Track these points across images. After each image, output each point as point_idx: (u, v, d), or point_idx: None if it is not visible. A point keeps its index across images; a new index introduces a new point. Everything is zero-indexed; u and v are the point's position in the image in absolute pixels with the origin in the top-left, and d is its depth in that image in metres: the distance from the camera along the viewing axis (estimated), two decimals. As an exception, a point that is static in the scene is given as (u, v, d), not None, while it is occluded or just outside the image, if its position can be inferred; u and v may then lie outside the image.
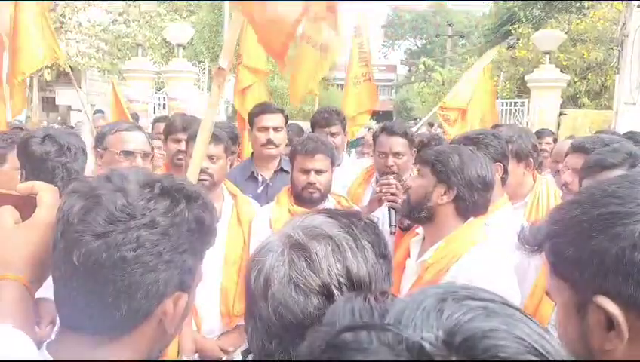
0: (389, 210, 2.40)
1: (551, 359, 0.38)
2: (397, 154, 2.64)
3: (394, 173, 2.57)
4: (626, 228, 0.66)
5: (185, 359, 2.06)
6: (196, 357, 2.17)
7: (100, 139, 2.26)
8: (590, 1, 12.61)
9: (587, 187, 0.79)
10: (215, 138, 2.30)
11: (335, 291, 0.78)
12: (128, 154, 2.14)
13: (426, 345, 0.38)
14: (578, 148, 2.29)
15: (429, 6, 40.77)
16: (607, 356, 0.67)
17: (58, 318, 0.78)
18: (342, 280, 0.79)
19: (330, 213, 0.87)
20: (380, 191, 2.48)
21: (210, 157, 2.26)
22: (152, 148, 3.27)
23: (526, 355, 0.38)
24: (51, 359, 0.73)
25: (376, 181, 2.78)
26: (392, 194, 2.41)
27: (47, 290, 0.81)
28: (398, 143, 2.66)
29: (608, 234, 0.67)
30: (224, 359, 2.27)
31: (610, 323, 0.67)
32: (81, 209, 0.72)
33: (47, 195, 0.83)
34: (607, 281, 0.67)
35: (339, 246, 0.81)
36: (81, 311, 0.73)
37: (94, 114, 8.62)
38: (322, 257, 0.79)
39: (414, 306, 0.42)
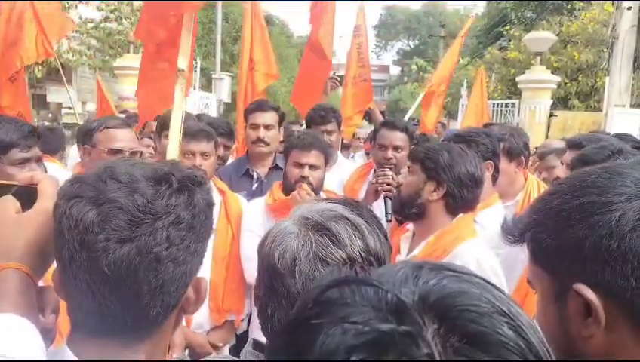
0: (385, 200, 2.43)
1: (518, 322, 0.41)
2: (397, 148, 2.71)
3: (392, 165, 2.63)
4: (604, 217, 0.67)
5: (175, 357, 2.06)
6: (186, 353, 2.17)
7: (87, 136, 2.24)
8: (581, 3, 12.73)
9: (567, 178, 0.81)
10: (206, 135, 2.32)
11: (358, 265, 0.84)
12: (116, 152, 2.12)
13: (404, 299, 0.41)
14: (574, 145, 2.33)
15: (422, 5, 40.96)
16: (585, 342, 0.69)
17: (76, 326, 0.75)
18: (363, 254, 0.85)
19: (333, 200, 0.95)
20: (377, 182, 2.51)
21: (203, 155, 2.29)
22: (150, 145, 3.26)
23: (494, 315, 0.40)
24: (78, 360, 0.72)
25: (374, 174, 2.82)
26: (388, 185, 2.43)
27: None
28: (398, 137, 2.74)
29: (587, 223, 0.68)
30: (213, 354, 2.27)
31: (588, 310, 0.68)
32: (98, 215, 0.70)
33: (48, 185, 0.83)
34: (585, 269, 0.68)
35: (356, 226, 0.87)
36: (115, 317, 0.72)
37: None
38: (344, 234, 0.85)
39: (393, 272, 0.45)
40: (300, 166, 2.31)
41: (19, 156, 1.56)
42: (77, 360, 0.72)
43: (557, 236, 0.72)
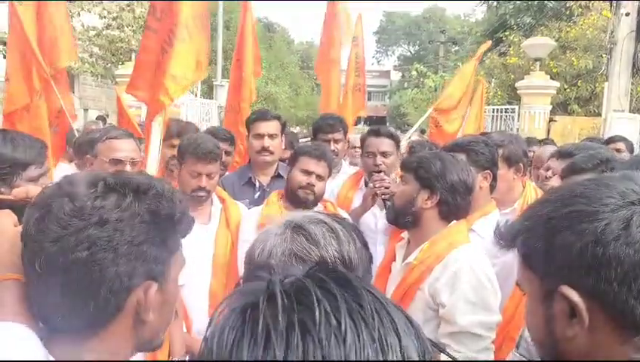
0: (384, 202, 2.46)
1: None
2: (384, 154, 2.74)
3: (381, 171, 2.66)
4: (590, 225, 0.72)
5: (176, 359, 2.08)
6: (187, 358, 2.20)
7: (90, 146, 2.27)
8: (580, 9, 12.77)
9: (557, 188, 0.86)
10: (214, 157, 2.34)
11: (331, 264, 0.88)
12: (117, 162, 2.16)
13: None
14: (564, 154, 2.37)
15: (422, 11, 41.07)
16: (569, 342, 0.73)
17: (44, 323, 0.80)
18: (336, 254, 0.90)
19: (320, 213, 1.02)
20: (374, 187, 2.54)
21: (209, 175, 2.32)
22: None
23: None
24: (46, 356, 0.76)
25: (365, 184, 2.85)
26: (386, 188, 2.47)
27: None
28: (385, 143, 2.77)
29: (574, 231, 0.73)
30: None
31: (573, 312, 0.72)
32: (37, 219, 0.76)
33: None
34: (571, 273, 0.72)
35: (333, 230, 0.93)
36: (54, 312, 0.77)
37: (96, 119, 8.59)
38: (319, 235, 0.91)
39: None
40: (309, 173, 2.35)
41: (36, 173, 1.61)
42: None
43: (546, 241, 0.76)
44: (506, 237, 0.83)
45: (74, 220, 0.74)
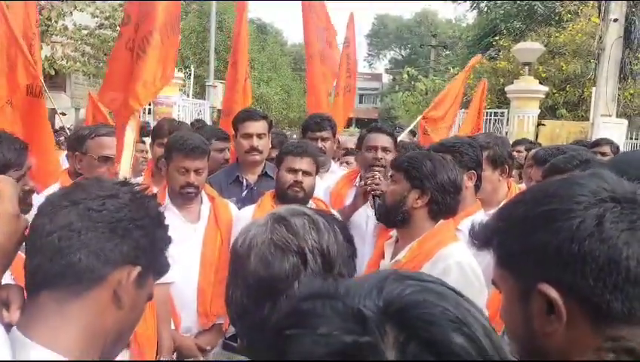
0: (373, 199, 2.48)
1: (472, 329, 0.46)
2: (385, 149, 2.76)
3: (382, 166, 2.66)
4: (565, 223, 0.74)
5: (163, 359, 2.10)
6: (174, 356, 2.21)
7: (79, 143, 2.28)
8: (569, 14, 12.92)
9: (530, 188, 0.88)
10: (202, 152, 2.36)
11: (309, 255, 0.91)
12: (106, 159, 2.18)
13: (366, 311, 0.46)
14: (540, 161, 2.41)
15: (414, 15, 41.28)
16: (547, 338, 0.76)
17: (26, 292, 0.85)
18: (315, 245, 0.92)
19: (306, 206, 1.06)
20: (365, 184, 2.56)
21: (197, 171, 2.34)
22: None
23: (447, 323, 0.45)
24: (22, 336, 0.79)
25: (362, 177, 2.86)
26: (377, 185, 2.49)
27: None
28: (386, 140, 2.80)
29: (549, 229, 0.75)
30: (201, 358, 2.31)
31: (551, 308, 0.74)
32: (64, 191, 0.89)
33: (6, 187, 0.87)
34: (548, 270, 0.74)
35: (314, 221, 0.95)
36: (48, 261, 0.82)
37: None
38: (300, 225, 0.94)
39: (360, 283, 0.50)
40: (294, 171, 2.38)
41: (15, 175, 1.57)
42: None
43: (522, 241, 0.77)
44: (481, 238, 0.85)
45: (95, 188, 0.87)
